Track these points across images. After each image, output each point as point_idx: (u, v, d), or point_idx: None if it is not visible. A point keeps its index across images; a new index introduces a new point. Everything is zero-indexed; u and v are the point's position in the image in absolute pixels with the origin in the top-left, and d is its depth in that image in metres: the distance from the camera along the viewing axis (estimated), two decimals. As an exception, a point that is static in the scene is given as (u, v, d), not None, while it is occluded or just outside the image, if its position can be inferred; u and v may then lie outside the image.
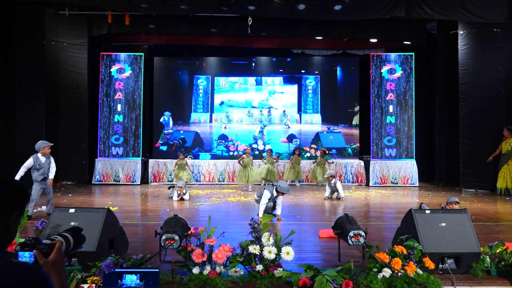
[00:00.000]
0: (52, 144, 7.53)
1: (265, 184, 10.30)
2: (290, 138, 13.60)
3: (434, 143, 12.67)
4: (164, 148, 13.55)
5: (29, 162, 7.16)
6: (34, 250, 1.49)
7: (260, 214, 6.72)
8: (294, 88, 13.79)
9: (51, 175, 7.32)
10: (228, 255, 3.74)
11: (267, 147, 13.20)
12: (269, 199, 6.92)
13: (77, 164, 11.92)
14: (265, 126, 13.66)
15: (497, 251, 4.09)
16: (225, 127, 13.62)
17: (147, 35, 12.79)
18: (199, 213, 7.92)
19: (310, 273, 3.54)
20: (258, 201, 7.24)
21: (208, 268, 3.70)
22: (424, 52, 13.01)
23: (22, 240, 2.01)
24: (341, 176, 12.47)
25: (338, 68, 13.89)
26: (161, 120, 13.65)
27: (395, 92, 12.63)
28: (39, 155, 7.22)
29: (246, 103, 13.75)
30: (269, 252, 3.72)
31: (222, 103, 13.71)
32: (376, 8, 9.68)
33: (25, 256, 1.49)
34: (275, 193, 6.91)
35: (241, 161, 11.71)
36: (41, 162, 7.19)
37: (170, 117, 13.64)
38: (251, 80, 13.80)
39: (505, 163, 10.40)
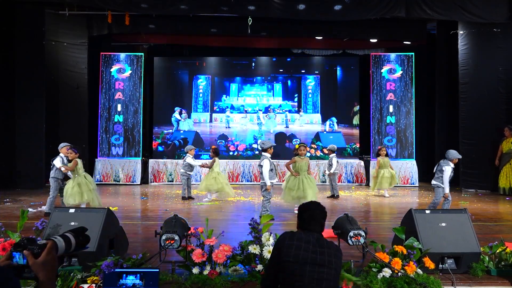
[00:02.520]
0: (70, 145, 7.68)
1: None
2: (290, 138, 13.59)
3: (434, 143, 12.67)
4: (161, 148, 13.55)
5: (58, 160, 7.50)
6: (24, 251, 1.49)
7: (268, 183, 6.92)
8: (293, 89, 13.81)
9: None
10: (228, 255, 3.75)
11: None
12: (269, 167, 6.98)
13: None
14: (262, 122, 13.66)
15: (497, 251, 4.09)
16: (227, 127, 13.61)
17: (147, 35, 12.78)
18: (199, 213, 7.92)
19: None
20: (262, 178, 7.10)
21: (208, 268, 3.70)
22: (424, 52, 13.00)
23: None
24: (341, 176, 12.46)
25: (338, 68, 13.88)
26: (179, 116, 13.58)
27: (395, 92, 12.63)
28: (63, 155, 7.55)
29: (248, 105, 13.75)
30: (269, 252, 3.72)
31: (232, 106, 13.71)
32: (376, 8, 9.69)
33: (19, 257, 1.50)
34: (269, 156, 7.07)
35: (290, 165, 7.75)
36: (65, 162, 7.54)
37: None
38: (252, 80, 13.81)
39: (507, 163, 10.40)
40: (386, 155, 10.16)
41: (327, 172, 10.02)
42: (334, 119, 13.58)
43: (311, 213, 2.85)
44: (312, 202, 3.00)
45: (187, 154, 9.65)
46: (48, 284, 1.48)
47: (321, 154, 13.16)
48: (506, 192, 10.26)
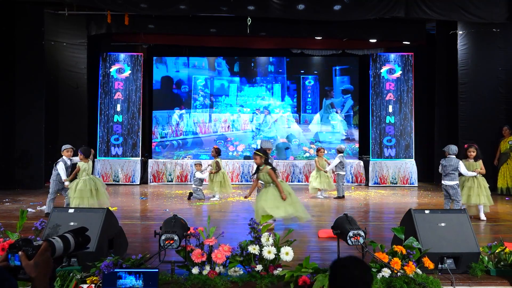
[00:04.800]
0: (73, 148, 7.62)
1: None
2: (289, 138, 13.59)
3: (434, 143, 12.66)
4: (158, 148, 13.55)
5: (61, 165, 7.42)
6: (19, 252, 1.49)
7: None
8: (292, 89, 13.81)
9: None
10: (227, 255, 3.74)
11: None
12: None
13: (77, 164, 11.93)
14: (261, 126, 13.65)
15: (496, 251, 4.09)
16: (228, 126, 13.62)
17: (147, 35, 12.77)
18: (198, 213, 7.92)
19: (308, 271, 3.54)
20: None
21: (207, 268, 3.70)
22: (423, 52, 13.01)
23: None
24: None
25: (337, 68, 13.88)
26: (178, 116, 13.65)
27: (395, 92, 12.63)
28: (65, 158, 7.52)
29: (247, 105, 13.74)
30: (269, 252, 3.72)
31: (230, 105, 13.73)
32: (375, 8, 9.69)
33: (13, 258, 1.50)
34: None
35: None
36: (68, 165, 7.54)
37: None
38: (251, 81, 13.80)
39: (504, 162, 10.40)
40: (476, 157, 7.23)
41: (329, 172, 10.05)
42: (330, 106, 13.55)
43: (349, 277, 1.94)
44: (349, 258, 2.03)
45: (195, 170, 9.88)
46: (40, 286, 1.48)
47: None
48: (504, 192, 10.25)
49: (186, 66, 13.92)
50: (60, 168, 7.36)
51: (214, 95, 13.76)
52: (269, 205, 5.99)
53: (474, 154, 7.20)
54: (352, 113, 13.62)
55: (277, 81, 13.81)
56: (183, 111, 13.65)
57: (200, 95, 13.73)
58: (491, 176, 10.54)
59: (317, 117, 13.68)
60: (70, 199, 7.10)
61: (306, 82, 13.78)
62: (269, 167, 6.18)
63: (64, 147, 7.62)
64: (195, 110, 13.70)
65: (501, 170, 10.40)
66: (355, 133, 13.57)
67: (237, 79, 13.85)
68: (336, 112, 13.61)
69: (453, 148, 7.10)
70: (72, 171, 7.52)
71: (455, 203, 6.87)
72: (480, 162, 7.18)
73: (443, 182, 7.05)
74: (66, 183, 7.29)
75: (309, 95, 13.75)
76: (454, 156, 7.03)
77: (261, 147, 7.07)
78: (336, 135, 13.56)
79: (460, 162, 6.98)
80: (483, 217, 7.08)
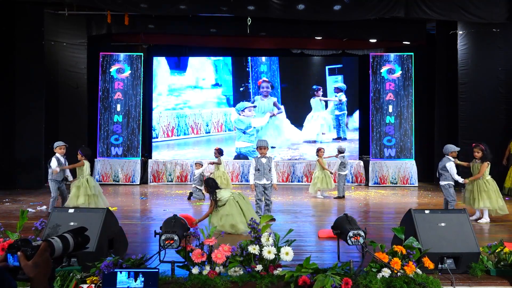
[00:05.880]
0: (65, 144, 7.58)
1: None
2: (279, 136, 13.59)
3: (434, 143, 12.65)
4: (156, 148, 13.55)
5: (54, 159, 7.36)
6: (18, 252, 1.49)
7: (251, 182, 7.01)
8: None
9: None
10: (227, 255, 3.74)
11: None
12: (255, 167, 6.93)
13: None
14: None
15: (496, 251, 4.09)
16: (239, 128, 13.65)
17: (147, 35, 12.79)
18: (198, 213, 7.92)
19: (308, 271, 3.54)
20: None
21: (207, 268, 3.70)
22: (423, 52, 13.00)
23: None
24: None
25: (337, 68, 13.88)
26: (175, 116, 13.72)
27: (395, 92, 12.63)
28: (58, 155, 7.43)
29: (243, 105, 13.75)
30: (269, 252, 3.72)
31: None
32: (375, 9, 9.69)
33: (13, 258, 1.50)
34: (259, 155, 7.00)
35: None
36: (62, 162, 7.45)
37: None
38: (249, 79, 13.80)
39: None
40: (483, 158, 6.89)
41: (333, 171, 10.15)
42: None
43: None
44: None
45: (195, 169, 9.98)
46: (39, 286, 1.48)
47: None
48: (510, 192, 10.04)
49: (184, 66, 13.91)
50: (53, 162, 7.30)
51: (212, 95, 13.75)
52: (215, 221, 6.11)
53: (478, 155, 6.88)
54: (345, 113, 13.62)
55: (275, 81, 13.81)
56: (181, 110, 13.64)
57: (197, 95, 13.72)
58: (495, 175, 10.48)
59: (310, 116, 13.64)
60: (71, 197, 7.13)
61: (306, 82, 13.78)
62: (211, 198, 6.28)
63: (56, 144, 7.52)
64: (192, 110, 13.69)
65: (510, 170, 10.12)
66: (348, 133, 13.58)
67: (235, 79, 13.83)
68: (325, 103, 13.55)
69: (449, 147, 7.14)
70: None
71: (448, 204, 6.95)
72: (484, 164, 6.81)
73: (439, 182, 7.23)
74: (57, 169, 7.29)
75: (308, 95, 13.74)
76: (446, 156, 7.10)
77: (257, 146, 7.13)
78: (328, 134, 13.55)
79: (450, 163, 6.99)
80: (487, 219, 6.91)
